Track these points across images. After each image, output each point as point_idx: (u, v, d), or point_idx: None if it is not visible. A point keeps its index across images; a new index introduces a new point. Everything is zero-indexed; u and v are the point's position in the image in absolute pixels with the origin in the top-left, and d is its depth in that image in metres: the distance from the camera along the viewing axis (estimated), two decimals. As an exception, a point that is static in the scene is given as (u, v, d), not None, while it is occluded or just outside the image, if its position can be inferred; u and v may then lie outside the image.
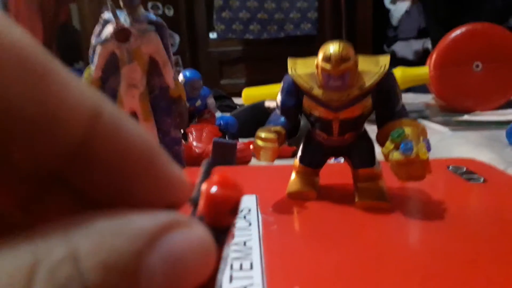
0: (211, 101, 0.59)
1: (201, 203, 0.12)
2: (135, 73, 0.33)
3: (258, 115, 0.77)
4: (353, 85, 0.30)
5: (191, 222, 0.09)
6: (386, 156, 0.29)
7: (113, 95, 0.34)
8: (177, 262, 0.08)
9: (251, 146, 0.54)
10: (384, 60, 0.30)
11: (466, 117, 0.86)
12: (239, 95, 1.37)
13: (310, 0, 1.89)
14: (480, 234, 0.29)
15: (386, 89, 0.30)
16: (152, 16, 0.33)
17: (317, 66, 0.30)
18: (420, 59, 1.75)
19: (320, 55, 0.29)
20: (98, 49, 0.33)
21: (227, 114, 0.75)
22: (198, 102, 0.57)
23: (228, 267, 0.24)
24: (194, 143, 0.50)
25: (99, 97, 0.09)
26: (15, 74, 0.07)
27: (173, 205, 0.10)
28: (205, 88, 0.59)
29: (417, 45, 1.85)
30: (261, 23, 1.87)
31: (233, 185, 0.11)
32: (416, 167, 0.28)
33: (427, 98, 1.19)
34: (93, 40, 0.34)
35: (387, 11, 1.93)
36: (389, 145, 0.29)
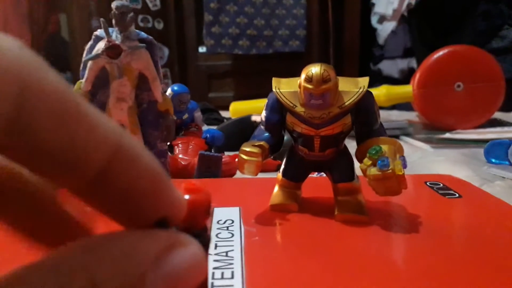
0: (198, 114, 0.60)
1: None
2: (124, 88, 0.34)
3: (244, 129, 0.78)
4: (333, 104, 0.31)
5: (187, 241, 0.10)
6: (364, 172, 0.31)
7: (102, 108, 0.35)
8: (176, 277, 0.10)
9: (237, 160, 0.55)
10: (364, 81, 0.32)
11: (447, 135, 0.89)
12: (226, 108, 1.39)
13: (299, 18, 1.93)
14: (455, 245, 0.30)
15: (365, 108, 0.32)
16: (143, 34, 0.35)
17: (299, 86, 0.31)
18: (405, 77, 1.80)
19: (303, 75, 0.31)
20: (89, 64, 0.34)
21: (214, 127, 0.76)
22: (185, 116, 0.58)
23: (209, 276, 0.25)
24: (180, 156, 0.51)
25: (120, 130, 0.10)
26: (50, 115, 0.08)
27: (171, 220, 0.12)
28: (193, 102, 0.60)
29: (402, 64, 1.90)
30: (250, 39, 1.90)
31: (200, 190, 0.13)
32: (392, 182, 0.30)
33: (411, 116, 1.22)
34: (85, 55, 0.35)
35: (374, 30, 1.98)
36: (366, 161, 0.31)
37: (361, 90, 0.31)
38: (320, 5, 1.96)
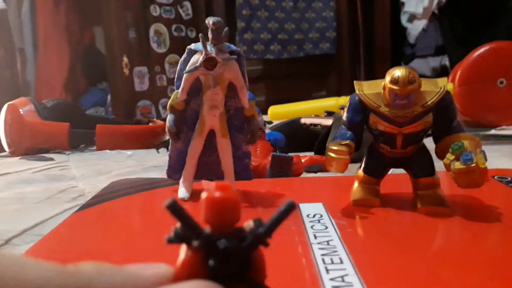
0: (260, 118, 0.63)
1: (204, 212, 0.13)
2: (217, 96, 0.38)
3: (294, 131, 0.81)
4: (416, 104, 0.34)
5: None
6: (448, 166, 0.33)
7: (195, 115, 0.39)
8: None
9: (300, 159, 0.57)
10: (443, 82, 0.34)
11: (493, 131, 0.89)
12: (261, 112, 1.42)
13: (329, 20, 1.95)
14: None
15: (445, 106, 0.34)
16: (232, 46, 0.38)
17: (384, 87, 0.34)
18: (437, 75, 1.79)
19: (388, 78, 0.33)
20: (185, 75, 0.37)
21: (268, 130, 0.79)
22: (249, 120, 0.62)
23: (320, 262, 0.27)
24: (250, 158, 0.55)
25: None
26: None
27: None
28: (256, 107, 0.63)
29: (434, 62, 1.89)
30: (282, 43, 1.93)
31: (228, 188, 0.13)
32: (475, 175, 0.32)
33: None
34: (179, 67, 0.38)
35: (404, 29, 1.98)
36: (449, 156, 0.33)
37: (441, 90, 0.34)
38: (349, 7, 1.97)
